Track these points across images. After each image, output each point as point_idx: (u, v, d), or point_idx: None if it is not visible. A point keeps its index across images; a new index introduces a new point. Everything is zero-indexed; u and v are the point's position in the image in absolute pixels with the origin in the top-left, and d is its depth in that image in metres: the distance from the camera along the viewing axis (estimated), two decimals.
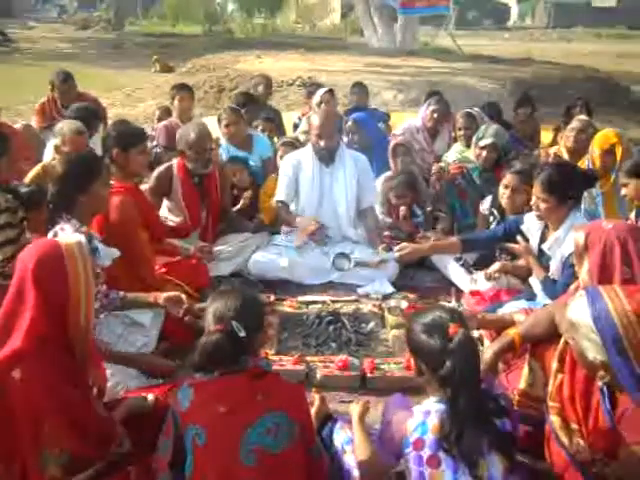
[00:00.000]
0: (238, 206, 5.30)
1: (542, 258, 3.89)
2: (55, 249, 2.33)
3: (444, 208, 5.36)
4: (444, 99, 6.67)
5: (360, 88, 7.76)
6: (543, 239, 3.90)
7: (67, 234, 3.06)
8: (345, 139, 5.82)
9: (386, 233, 5.26)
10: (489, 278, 4.20)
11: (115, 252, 3.42)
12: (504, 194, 4.49)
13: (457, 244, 4.42)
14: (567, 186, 3.73)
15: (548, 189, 3.69)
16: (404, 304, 4.31)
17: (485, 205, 4.86)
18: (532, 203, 3.83)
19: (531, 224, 4.00)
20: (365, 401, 2.77)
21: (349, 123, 6.15)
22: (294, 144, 5.82)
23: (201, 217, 4.91)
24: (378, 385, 3.51)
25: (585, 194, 4.36)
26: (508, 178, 4.47)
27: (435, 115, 6.30)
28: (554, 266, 3.74)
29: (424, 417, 2.17)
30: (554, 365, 2.49)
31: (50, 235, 3.17)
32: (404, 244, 4.48)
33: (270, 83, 8.01)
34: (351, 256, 4.72)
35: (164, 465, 2.28)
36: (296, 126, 7.27)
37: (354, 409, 2.73)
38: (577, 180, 3.83)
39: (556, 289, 3.57)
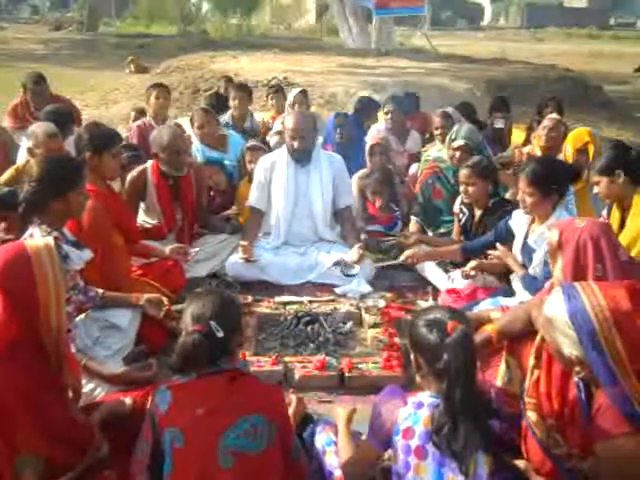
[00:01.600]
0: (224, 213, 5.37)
1: (527, 250, 3.94)
2: (21, 253, 2.29)
3: (417, 211, 5.41)
4: (401, 100, 6.76)
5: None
6: (530, 233, 3.96)
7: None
8: (320, 139, 5.83)
9: (363, 232, 5.30)
10: (466, 276, 4.24)
11: (87, 254, 3.38)
12: (461, 190, 4.66)
13: (458, 251, 4.52)
14: (551, 179, 3.82)
15: (533, 182, 3.78)
16: (381, 303, 4.34)
17: (457, 204, 4.91)
18: (518, 198, 3.91)
19: (518, 218, 4.07)
20: (352, 408, 2.78)
21: (338, 118, 6.37)
22: (262, 148, 5.81)
23: (176, 219, 4.89)
24: (356, 384, 3.52)
25: None
26: (461, 173, 4.64)
27: (389, 116, 6.42)
28: (537, 260, 3.79)
29: (416, 408, 2.20)
30: (531, 361, 2.52)
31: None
32: (408, 251, 4.54)
33: (232, 85, 7.98)
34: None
35: (142, 468, 2.26)
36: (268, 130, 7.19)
37: (340, 412, 2.74)
38: (561, 173, 3.92)
39: (537, 283, 3.61)
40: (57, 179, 3.33)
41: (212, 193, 5.56)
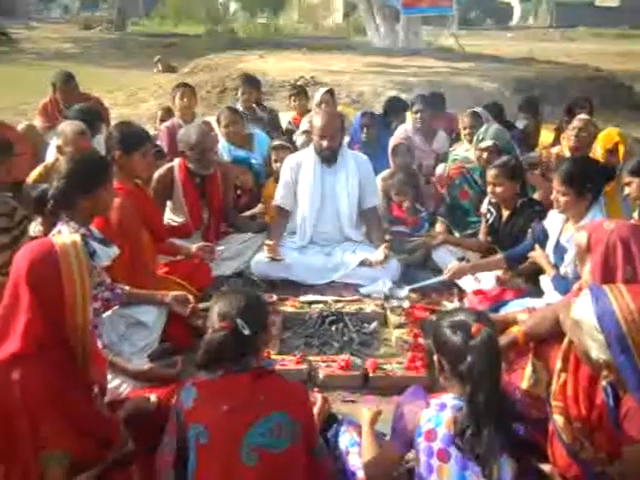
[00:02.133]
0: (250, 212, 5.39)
1: (559, 250, 3.90)
2: (48, 250, 2.30)
3: (444, 212, 5.38)
4: (430, 100, 6.71)
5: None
6: (564, 232, 3.92)
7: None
8: (347, 139, 5.82)
9: (387, 233, 5.29)
10: (501, 283, 4.20)
11: (114, 251, 3.41)
12: (489, 190, 4.62)
13: (502, 261, 4.37)
14: (585, 179, 3.78)
15: (567, 182, 3.75)
16: (406, 304, 4.32)
17: (484, 204, 4.88)
18: (552, 197, 3.88)
19: (553, 218, 4.03)
20: (377, 410, 2.77)
21: (365, 117, 6.36)
22: (288, 147, 5.82)
23: (203, 217, 4.92)
24: (380, 385, 3.52)
25: None
26: (489, 173, 4.59)
27: (418, 115, 6.38)
28: (569, 259, 3.75)
29: (439, 410, 2.18)
30: (558, 365, 2.49)
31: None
32: (452, 265, 4.44)
33: (240, 77, 8.06)
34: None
35: (167, 464, 2.28)
36: (289, 131, 7.22)
37: (365, 413, 2.73)
38: (595, 173, 3.87)
39: (567, 284, 3.57)
40: (85, 177, 3.36)
41: (238, 192, 5.58)
